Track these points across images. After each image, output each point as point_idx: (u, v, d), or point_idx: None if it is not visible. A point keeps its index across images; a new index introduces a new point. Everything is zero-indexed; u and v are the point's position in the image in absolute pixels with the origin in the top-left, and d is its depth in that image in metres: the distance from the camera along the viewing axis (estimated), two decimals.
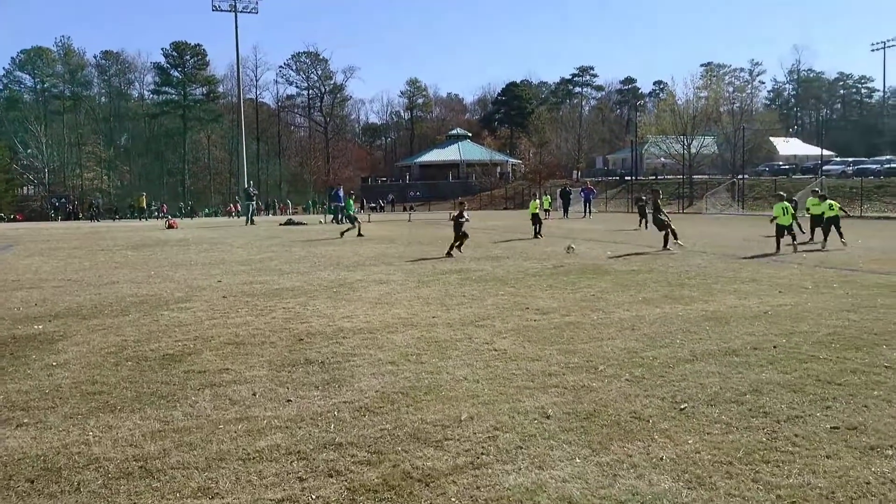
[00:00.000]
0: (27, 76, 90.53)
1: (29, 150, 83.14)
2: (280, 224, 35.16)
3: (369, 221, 34.59)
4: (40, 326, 8.07)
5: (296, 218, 42.04)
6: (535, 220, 21.81)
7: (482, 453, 4.00)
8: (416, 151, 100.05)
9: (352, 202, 26.36)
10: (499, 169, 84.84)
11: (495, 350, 6.46)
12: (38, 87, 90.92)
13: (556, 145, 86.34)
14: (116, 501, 3.49)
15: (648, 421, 4.48)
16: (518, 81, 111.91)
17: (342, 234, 22.96)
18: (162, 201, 65.51)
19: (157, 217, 44.71)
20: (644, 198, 22.04)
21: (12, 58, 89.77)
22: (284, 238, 23.74)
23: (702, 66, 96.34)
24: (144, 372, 5.95)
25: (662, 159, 64.66)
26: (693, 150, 55.36)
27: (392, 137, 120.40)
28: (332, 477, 3.73)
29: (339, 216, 33.13)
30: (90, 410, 4.93)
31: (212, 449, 4.15)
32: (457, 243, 16.09)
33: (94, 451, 4.14)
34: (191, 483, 3.68)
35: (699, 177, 55.07)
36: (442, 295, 9.86)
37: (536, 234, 21.32)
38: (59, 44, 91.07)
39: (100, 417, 4.77)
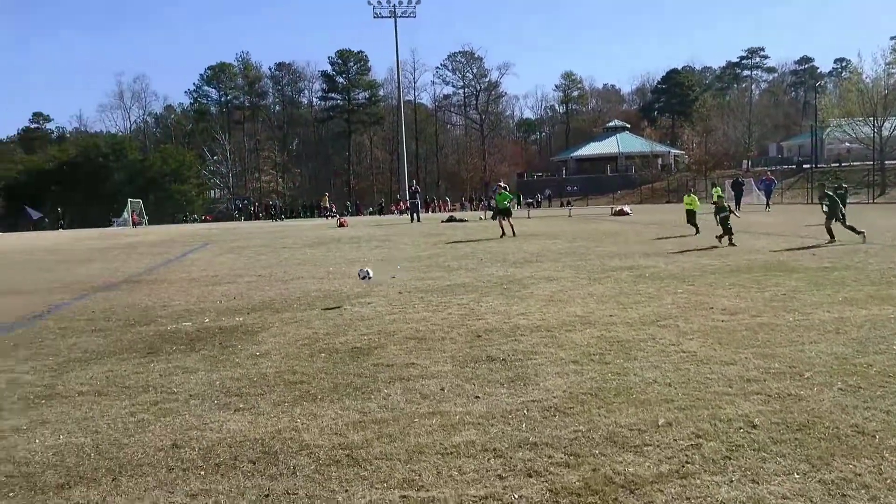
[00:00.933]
0: (213, 90, 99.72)
1: (215, 157, 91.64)
2: (442, 221, 36.04)
3: (528, 217, 34.58)
4: (241, 318, 8.80)
5: (457, 215, 42.85)
6: (693, 217, 20.25)
7: (687, 462, 3.81)
8: (571, 145, 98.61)
9: (507, 195, 23.65)
10: (660, 160, 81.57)
11: (684, 352, 6.15)
12: (222, 99, 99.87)
13: (722, 133, 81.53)
14: (329, 487, 3.68)
15: (874, 436, 4.05)
16: (679, 68, 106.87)
17: (514, 231, 21.99)
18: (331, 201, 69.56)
19: (328, 217, 47.40)
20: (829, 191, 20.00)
21: (200, 74, 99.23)
22: (448, 235, 24.28)
23: (892, 38, 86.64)
24: (337, 364, 6.28)
25: (847, 144, 58.96)
26: (885, 133, 49.96)
27: (547, 132, 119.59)
28: (531, 477, 3.71)
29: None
30: (295, 399, 5.27)
31: (410, 442, 4.28)
32: (725, 236, 15.68)
33: (305, 438, 4.42)
34: (395, 474, 3.81)
35: (892, 162, 49.62)
36: (616, 293, 9.58)
37: (698, 230, 19.83)
38: (240, 59, 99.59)
39: (304, 406, 5.09)
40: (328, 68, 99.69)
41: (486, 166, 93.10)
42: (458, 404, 4.97)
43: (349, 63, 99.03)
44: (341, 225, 35.48)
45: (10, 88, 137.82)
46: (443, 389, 5.35)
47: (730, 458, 3.82)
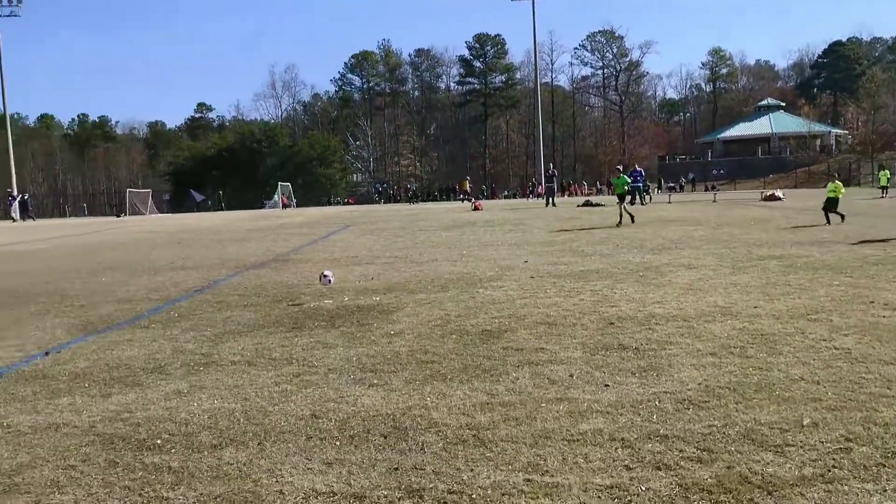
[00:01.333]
0: (356, 77, 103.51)
1: (358, 142, 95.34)
2: (578, 205, 35.44)
3: (669, 202, 33.24)
4: (378, 298, 9.15)
5: (593, 199, 41.96)
6: (832, 204, 18.24)
7: (834, 466, 3.55)
8: (718, 126, 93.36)
9: (626, 178, 22.49)
10: (818, 141, 75.41)
11: (836, 349, 5.70)
12: (364, 86, 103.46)
13: (893, 110, 73.94)
14: (455, 465, 3.78)
15: None
16: (844, 40, 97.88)
17: (632, 218, 20.64)
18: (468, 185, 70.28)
19: (466, 200, 47.91)
20: None
21: (345, 63, 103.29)
22: (584, 220, 23.84)
23: None
24: (467, 345, 6.39)
25: None
26: None
27: (692, 112, 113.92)
28: (660, 470, 3.61)
29: (639, 197, 32.36)
30: (425, 378, 5.43)
31: (536, 426, 4.29)
32: None
33: (434, 416, 4.55)
34: (521, 458, 3.84)
35: None
36: (763, 283, 9.03)
37: (828, 219, 17.83)
38: (381, 47, 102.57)
39: (434, 385, 5.23)
40: (465, 53, 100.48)
41: (625, 149, 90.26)
42: (587, 391, 4.91)
43: (486, 47, 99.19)
44: (476, 208, 35.81)
45: (180, 82, 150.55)
46: (572, 376, 5.30)
47: (884, 466, 3.52)
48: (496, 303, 8.46)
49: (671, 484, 3.44)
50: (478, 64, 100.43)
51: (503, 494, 3.40)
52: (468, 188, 49.06)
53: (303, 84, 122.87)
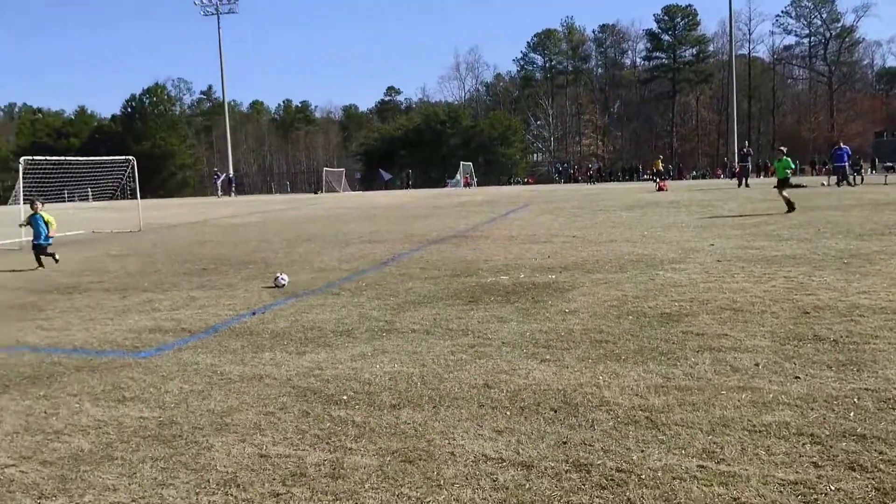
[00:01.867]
0: (538, 56, 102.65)
1: (538, 122, 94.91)
2: (774, 186, 32.73)
3: (885, 183, 29.64)
4: (553, 276, 9.15)
5: (793, 180, 38.56)
6: None
7: None
8: None
9: (789, 161, 19.18)
10: None
11: None
12: (546, 65, 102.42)
13: None
14: (625, 445, 3.72)
15: None
16: None
17: (791, 206, 17.29)
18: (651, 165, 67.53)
19: (655, 180, 46.00)
20: None
21: (527, 42, 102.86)
22: (781, 202, 21.99)
23: None
24: (644, 327, 6.22)
25: None
26: None
27: None
28: (853, 470, 3.31)
29: (846, 179, 29.27)
30: (598, 357, 5.37)
31: (715, 413, 4.10)
32: None
33: (605, 395, 4.50)
34: (695, 443, 3.70)
35: None
36: None
37: None
38: (564, 24, 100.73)
39: (607, 364, 5.17)
40: (653, 26, 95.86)
41: (833, 125, 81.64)
42: (774, 382, 4.59)
43: (676, 19, 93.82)
44: (660, 189, 34.33)
45: (372, 68, 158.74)
46: (757, 365, 4.98)
47: None
48: (677, 286, 8.11)
49: (866, 486, 3.15)
50: (666, 37, 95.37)
51: (674, 478, 3.31)
52: (661, 168, 46.18)
53: (485, 65, 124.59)
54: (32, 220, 12.95)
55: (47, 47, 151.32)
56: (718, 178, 59.77)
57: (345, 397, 4.66)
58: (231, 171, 63.06)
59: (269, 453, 3.79)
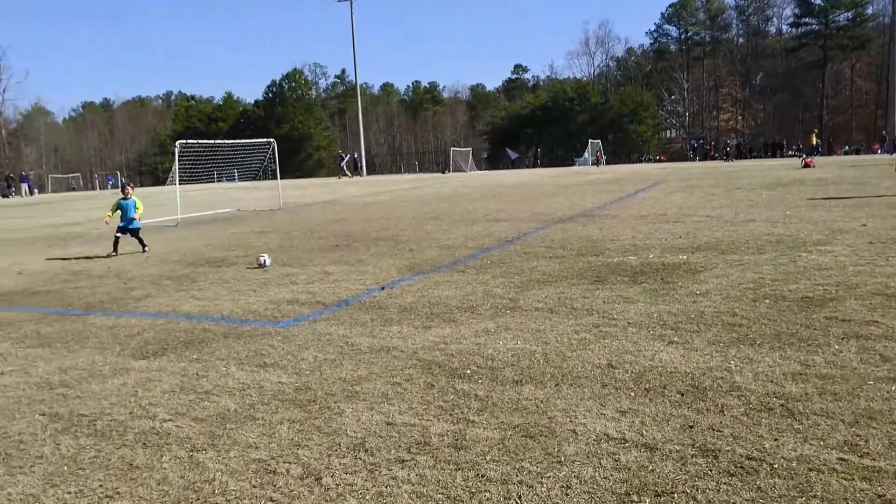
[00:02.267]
0: (673, 28, 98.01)
1: (673, 97, 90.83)
2: None
3: None
4: (684, 257, 8.81)
5: None
6: None
7: None
8: None
9: None
10: None
11: None
12: (681, 36, 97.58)
13: None
14: (757, 433, 3.56)
15: None
16: None
17: None
18: (799, 140, 62.93)
19: (807, 155, 42.87)
20: None
21: (661, 13, 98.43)
22: None
23: None
24: (783, 312, 5.87)
25: None
26: None
27: None
28: None
29: None
30: (731, 340, 5.14)
31: (859, 404, 3.82)
32: None
33: (736, 380, 4.32)
34: (835, 434, 3.48)
35: None
36: None
37: None
38: None
39: (740, 349, 4.94)
40: None
41: None
42: None
43: None
44: (807, 165, 31.96)
45: (498, 47, 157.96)
46: None
47: None
48: (822, 268, 7.58)
49: None
50: (818, 1, 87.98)
51: (810, 469, 3.14)
52: (815, 142, 42.09)
53: (616, 39, 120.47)
54: (122, 205, 12.31)
55: (198, 37, 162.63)
56: (875, 153, 54.71)
57: (468, 371, 4.76)
58: (357, 152, 64.92)
59: (395, 421, 3.96)
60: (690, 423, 3.71)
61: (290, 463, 3.50)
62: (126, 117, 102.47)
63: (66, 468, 3.58)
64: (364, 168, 56.13)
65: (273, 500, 3.16)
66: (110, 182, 69.32)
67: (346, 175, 44.95)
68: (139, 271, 10.00)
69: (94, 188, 70.56)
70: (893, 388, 4.02)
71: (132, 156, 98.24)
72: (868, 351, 4.72)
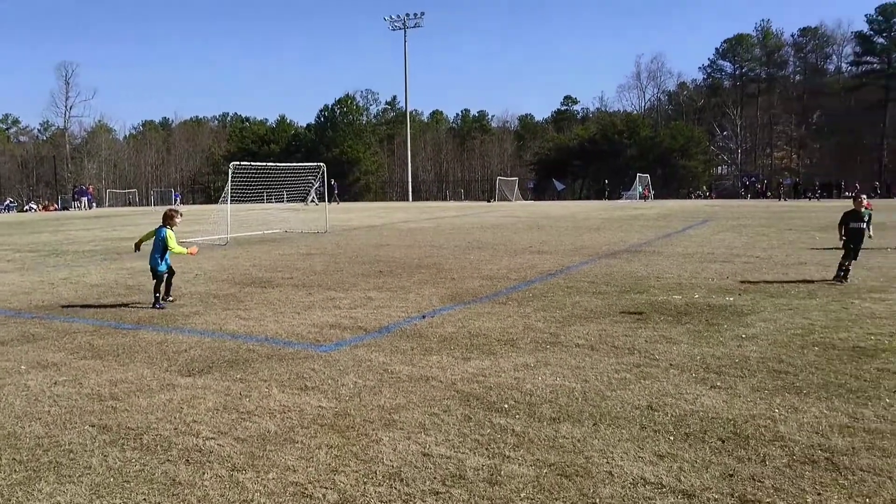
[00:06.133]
0: (728, 63, 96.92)
1: (725, 133, 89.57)
2: None
3: None
4: (731, 298, 8.66)
5: None
6: None
7: None
8: None
9: None
10: None
11: None
12: (736, 72, 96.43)
13: None
14: (800, 486, 3.48)
15: None
16: None
17: None
18: (855, 181, 61.26)
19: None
20: None
21: (716, 48, 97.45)
22: None
23: None
24: (832, 360, 5.73)
25: None
26: None
27: None
28: None
29: None
30: (776, 388, 5.04)
31: None
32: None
33: (780, 429, 4.22)
34: (882, 492, 3.38)
35: None
36: None
37: None
38: (759, 28, 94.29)
39: (785, 397, 4.83)
40: (864, 28, 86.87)
41: None
42: None
43: (893, 20, 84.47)
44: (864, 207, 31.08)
45: (548, 77, 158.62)
46: None
47: None
48: (875, 317, 7.36)
49: None
50: (880, 40, 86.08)
51: None
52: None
53: (668, 73, 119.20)
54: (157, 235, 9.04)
55: (255, 63, 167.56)
56: None
57: (506, 405, 4.77)
58: (334, 180, 54.28)
59: (431, 452, 3.98)
60: (730, 472, 3.65)
61: (326, 488, 3.56)
62: (183, 136, 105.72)
63: (112, 480, 3.70)
64: (338, 196, 51.07)
65: None
66: (178, 199, 71.06)
67: (314, 202, 42.74)
68: (188, 288, 10.28)
69: (148, 204, 72.69)
70: None
71: (187, 174, 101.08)
72: None
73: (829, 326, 6.98)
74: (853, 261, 9.80)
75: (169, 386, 5.37)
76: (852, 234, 9.79)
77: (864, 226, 9.95)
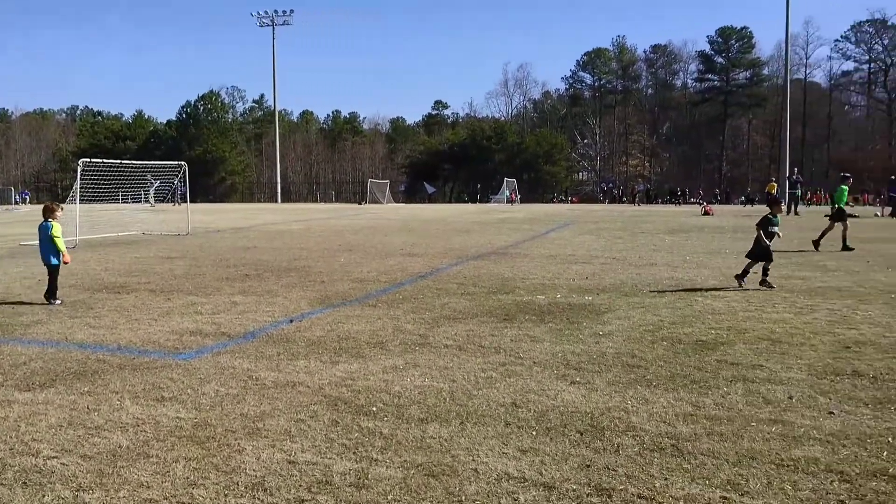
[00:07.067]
0: (588, 75, 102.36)
1: (585, 141, 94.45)
2: (826, 216, 31.95)
3: None
4: (590, 298, 9.12)
5: (849, 209, 37.50)
6: None
7: None
8: None
9: (845, 193, 17.86)
10: None
11: None
12: (595, 84, 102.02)
13: None
14: (649, 472, 3.71)
15: None
16: None
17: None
18: (699, 188, 66.48)
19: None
20: None
21: (577, 60, 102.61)
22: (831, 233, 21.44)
23: None
24: (678, 354, 6.17)
25: None
26: None
27: None
28: None
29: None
30: (629, 381, 5.35)
31: (743, 445, 4.06)
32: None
33: (632, 420, 4.49)
34: (720, 474, 3.67)
35: None
36: None
37: None
38: (615, 43, 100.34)
39: (637, 389, 5.15)
40: (706, 48, 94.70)
41: (892, 155, 79.27)
42: (807, 417, 4.52)
43: (730, 41, 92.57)
44: (706, 213, 33.85)
45: (419, 82, 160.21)
46: (791, 398, 4.91)
47: None
48: (715, 313, 8.02)
49: None
50: (720, 59, 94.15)
51: None
52: (774, 192, 40.27)
53: (534, 82, 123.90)
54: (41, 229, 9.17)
55: (109, 54, 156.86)
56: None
57: (374, 408, 4.74)
58: (181, 181, 53.24)
59: (297, 460, 3.89)
60: (587, 463, 3.83)
61: (182, 503, 3.38)
62: (24, 130, 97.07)
63: None
64: (179, 198, 45.41)
65: None
66: (27, 197, 65.09)
67: (150, 204, 40.42)
68: (29, 296, 9.45)
69: None
70: (774, 430, 4.28)
71: (29, 170, 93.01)
72: (753, 394, 5.02)
73: (676, 322, 7.52)
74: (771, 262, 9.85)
75: (3, 402, 4.90)
76: (771, 237, 9.93)
77: (777, 229, 10.23)
